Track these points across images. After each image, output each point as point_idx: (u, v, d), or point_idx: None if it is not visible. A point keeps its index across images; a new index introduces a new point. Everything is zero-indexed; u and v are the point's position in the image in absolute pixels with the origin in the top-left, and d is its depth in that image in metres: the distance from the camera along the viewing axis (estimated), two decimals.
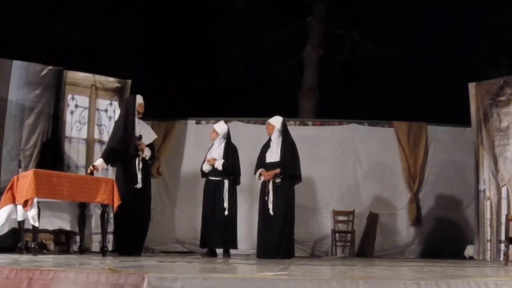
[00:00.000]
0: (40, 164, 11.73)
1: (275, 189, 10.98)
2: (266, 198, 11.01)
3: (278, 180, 10.97)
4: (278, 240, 10.88)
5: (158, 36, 18.08)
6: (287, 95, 18.15)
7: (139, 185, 10.72)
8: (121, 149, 10.85)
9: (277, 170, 11.00)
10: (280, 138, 11.24)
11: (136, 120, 11.03)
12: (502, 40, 16.18)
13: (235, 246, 11.55)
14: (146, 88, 13.64)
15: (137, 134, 10.88)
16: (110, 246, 11.11)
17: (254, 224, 11.84)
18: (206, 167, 11.52)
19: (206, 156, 11.63)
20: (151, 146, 11.17)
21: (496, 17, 16.23)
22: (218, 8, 17.71)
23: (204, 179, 11.78)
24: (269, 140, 11.40)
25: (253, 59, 18.47)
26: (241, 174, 11.71)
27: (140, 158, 10.82)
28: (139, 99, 11.22)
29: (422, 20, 17.28)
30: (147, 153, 10.92)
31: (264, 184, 11.21)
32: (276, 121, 11.37)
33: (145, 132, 11.13)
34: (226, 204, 11.27)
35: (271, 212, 10.89)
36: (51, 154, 12.20)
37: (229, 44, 18.51)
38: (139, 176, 10.76)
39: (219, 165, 11.38)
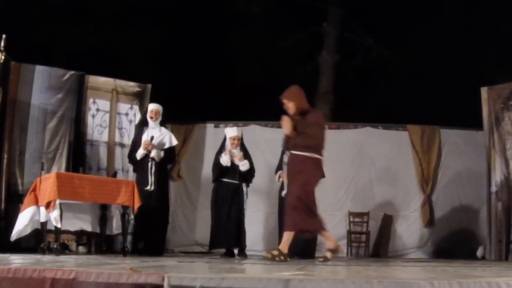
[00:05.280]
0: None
1: None
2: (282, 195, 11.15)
3: None
4: (302, 239, 11.07)
5: (175, 41, 18.14)
6: None
7: (150, 188, 10.90)
8: (132, 152, 11.26)
9: None
10: None
11: (151, 124, 11.25)
12: (511, 45, 16.16)
13: (245, 245, 11.62)
14: (164, 93, 13.81)
15: (148, 136, 11.07)
16: (129, 247, 11.25)
17: (270, 225, 11.97)
18: (226, 160, 11.45)
19: (223, 152, 11.61)
20: (169, 150, 11.31)
21: (505, 22, 16.23)
22: (234, 14, 17.75)
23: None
24: None
25: (269, 63, 18.53)
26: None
27: (153, 162, 11.03)
28: (150, 106, 11.50)
29: (433, 25, 17.22)
30: (155, 154, 11.00)
31: (283, 185, 11.38)
32: None
33: (163, 137, 11.28)
34: (245, 206, 11.38)
35: None
36: (72, 157, 12.36)
37: (246, 49, 18.57)
38: (151, 179, 10.96)
39: (245, 163, 11.42)
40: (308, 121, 8.94)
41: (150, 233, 10.91)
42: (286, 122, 8.90)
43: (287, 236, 8.74)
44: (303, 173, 8.82)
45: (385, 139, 14.54)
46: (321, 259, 8.87)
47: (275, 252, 8.55)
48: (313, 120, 9.00)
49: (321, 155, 9.00)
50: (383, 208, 14.26)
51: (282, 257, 8.48)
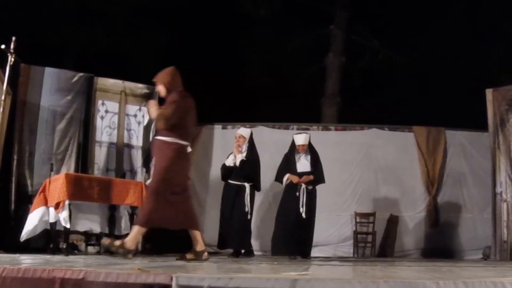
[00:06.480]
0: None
1: (307, 194, 11.29)
2: (300, 200, 11.24)
3: (310, 187, 11.29)
4: (307, 239, 11.24)
5: (183, 43, 18.11)
6: (309, 101, 18.23)
7: None
8: None
9: (311, 177, 11.31)
10: (308, 150, 11.54)
11: None
12: None
13: (249, 246, 11.63)
14: None
15: None
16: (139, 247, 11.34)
17: (268, 224, 12.07)
18: (229, 161, 11.58)
19: (228, 157, 11.73)
20: None
21: (509, 24, 16.21)
22: (242, 17, 17.73)
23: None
24: (297, 152, 11.64)
25: (276, 66, 18.56)
26: (260, 180, 11.72)
27: None
28: None
29: (439, 28, 17.18)
30: None
31: (289, 188, 11.51)
32: (306, 139, 11.59)
33: None
34: (247, 209, 11.35)
35: (303, 215, 11.16)
36: (81, 158, 12.40)
37: (253, 51, 18.57)
38: None
39: (239, 158, 11.44)
40: (166, 102, 8.26)
41: (160, 234, 10.99)
42: (151, 106, 8.27)
43: (136, 230, 7.93)
44: (162, 161, 8.06)
45: (391, 140, 14.60)
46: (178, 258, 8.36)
47: (117, 243, 7.77)
48: (169, 100, 8.23)
49: (187, 140, 8.38)
50: (389, 208, 14.29)
51: (121, 250, 7.72)
